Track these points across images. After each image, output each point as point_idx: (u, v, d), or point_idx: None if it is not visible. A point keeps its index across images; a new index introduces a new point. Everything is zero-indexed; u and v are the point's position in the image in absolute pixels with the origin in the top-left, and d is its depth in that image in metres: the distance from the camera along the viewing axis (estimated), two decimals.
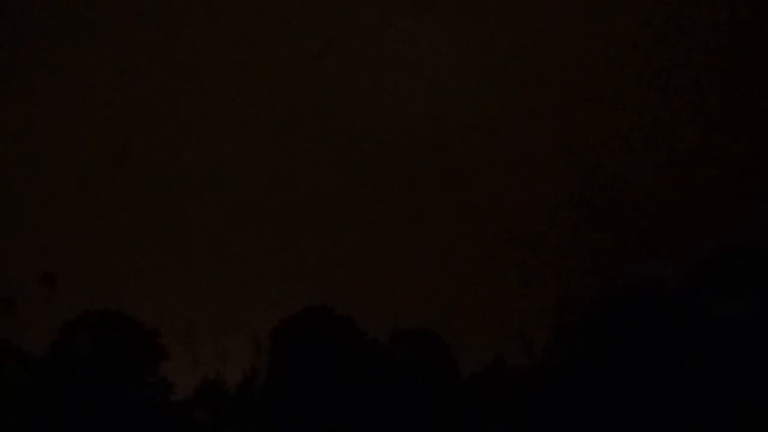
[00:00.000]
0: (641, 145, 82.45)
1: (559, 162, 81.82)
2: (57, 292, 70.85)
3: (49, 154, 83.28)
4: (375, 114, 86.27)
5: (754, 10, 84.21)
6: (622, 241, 75.12)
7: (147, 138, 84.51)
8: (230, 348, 70.35)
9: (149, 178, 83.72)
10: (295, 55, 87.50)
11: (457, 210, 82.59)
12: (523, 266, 75.28)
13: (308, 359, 68.58)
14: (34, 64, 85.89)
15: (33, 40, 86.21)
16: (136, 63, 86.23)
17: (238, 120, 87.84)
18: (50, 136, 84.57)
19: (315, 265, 79.06)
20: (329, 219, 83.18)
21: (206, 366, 70.48)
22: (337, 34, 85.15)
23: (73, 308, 69.52)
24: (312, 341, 69.13)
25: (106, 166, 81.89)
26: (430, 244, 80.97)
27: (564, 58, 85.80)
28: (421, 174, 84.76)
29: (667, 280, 67.17)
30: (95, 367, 67.84)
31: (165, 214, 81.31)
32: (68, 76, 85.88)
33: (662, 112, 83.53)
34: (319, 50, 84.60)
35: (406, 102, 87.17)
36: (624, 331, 64.81)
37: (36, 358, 69.40)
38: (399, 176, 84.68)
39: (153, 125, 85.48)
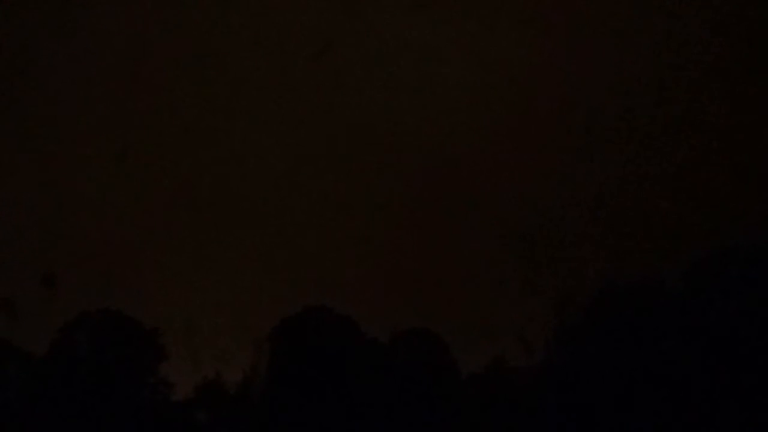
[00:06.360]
0: (641, 145, 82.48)
1: (559, 162, 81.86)
2: (57, 292, 70.83)
3: (49, 153, 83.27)
4: (375, 115, 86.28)
5: (754, 13, 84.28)
6: (622, 241, 75.16)
7: (148, 138, 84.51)
8: (230, 348, 70.40)
9: (150, 178, 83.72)
10: (294, 56, 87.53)
11: (457, 210, 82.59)
12: (523, 266, 75.30)
13: (308, 359, 68.58)
14: (33, 63, 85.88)
15: (33, 40, 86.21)
16: (136, 62, 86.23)
17: (238, 120, 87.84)
18: (50, 135, 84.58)
19: (315, 265, 79.09)
20: (329, 219, 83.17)
21: (206, 366, 70.54)
22: (336, 36, 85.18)
23: (73, 308, 69.58)
24: (312, 341, 69.17)
25: (107, 165, 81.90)
26: (431, 244, 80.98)
27: (566, 59, 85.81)
28: (421, 174, 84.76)
29: (667, 280, 67.18)
30: (95, 367, 67.85)
31: (165, 214, 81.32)
32: (67, 75, 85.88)
33: (662, 112, 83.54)
34: (317, 52, 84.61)
35: (406, 103, 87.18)
36: (624, 331, 64.80)
37: (36, 358, 69.41)
38: (398, 176, 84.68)
39: (153, 125, 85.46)
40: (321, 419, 66.72)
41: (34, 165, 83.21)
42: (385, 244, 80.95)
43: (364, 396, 67.72)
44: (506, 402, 68.10)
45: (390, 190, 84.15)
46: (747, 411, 61.03)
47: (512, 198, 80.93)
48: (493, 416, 67.44)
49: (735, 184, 78.34)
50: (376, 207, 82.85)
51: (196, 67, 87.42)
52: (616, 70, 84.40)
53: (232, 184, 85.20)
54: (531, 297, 71.84)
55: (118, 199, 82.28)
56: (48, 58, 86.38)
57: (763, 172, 77.42)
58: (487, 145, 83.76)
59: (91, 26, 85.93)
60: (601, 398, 63.43)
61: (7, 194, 79.65)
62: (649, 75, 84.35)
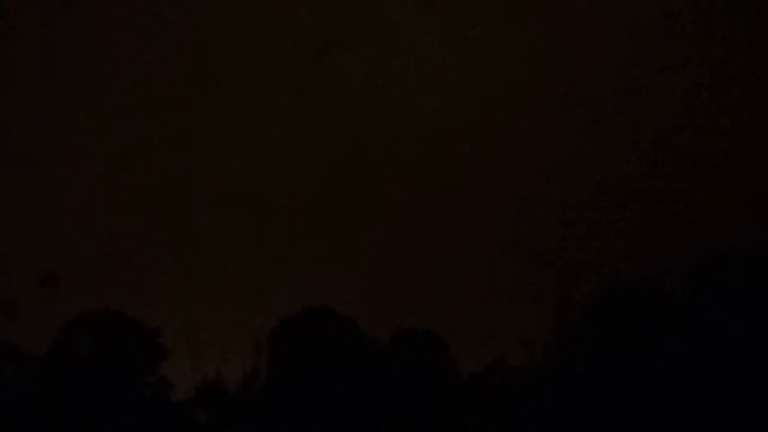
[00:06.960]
0: (641, 145, 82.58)
1: (560, 162, 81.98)
2: (57, 292, 70.83)
3: (49, 154, 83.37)
4: (376, 115, 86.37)
5: (753, 12, 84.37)
6: (622, 241, 75.20)
7: (148, 139, 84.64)
8: (230, 348, 70.42)
9: (150, 179, 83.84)
10: (294, 56, 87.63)
11: (457, 210, 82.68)
12: (523, 266, 75.35)
13: (308, 359, 68.57)
14: (35, 63, 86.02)
15: (34, 40, 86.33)
16: (137, 63, 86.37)
17: (237, 121, 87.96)
18: (51, 137, 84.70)
19: (315, 265, 79.16)
20: (329, 219, 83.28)
21: (206, 366, 70.53)
22: (336, 36, 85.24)
23: (73, 308, 69.60)
24: (312, 341, 69.15)
25: (107, 166, 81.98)
26: (431, 245, 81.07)
27: (568, 58, 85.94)
28: (422, 174, 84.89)
29: (667, 280, 67.19)
30: (95, 367, 67.83)
31: (165, 215, 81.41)
32: (68, 76, 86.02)
33: (663, 112, 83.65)
34: (317, 51, 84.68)
35: (408, 103, 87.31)
36: (624, 331, 64.80)
37: (36, 358, 69.41)
38: (400, 176, 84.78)
39: (153, 126, 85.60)
40: (321, 419, 66.71)
41: (34, 165, 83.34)
42: (386, 245, 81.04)
43: (364, 396, 67.70)
44: (506, 402, 68.08)
45: (390, 191, 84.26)
46: (747, 411, 61.02)
47: (512, 199, 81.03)
48: (493, 416, 67.42)
49: (735, 184, 78.42)
50: (376, 207, 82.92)
51: (197, 67, 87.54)
52: (616, 71, 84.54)
53: (233, 185, 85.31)
54: (531, 297, 71.91)
55: (119, 199, 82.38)
56: (48, 59, 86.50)
57: (763, 172, 77.47)
58: (488, 144, 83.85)
59: (92, 27, 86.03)
60: (601, 398, 63.42)
61: (7, 194, 79.75)
62: (649, 75, 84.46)
